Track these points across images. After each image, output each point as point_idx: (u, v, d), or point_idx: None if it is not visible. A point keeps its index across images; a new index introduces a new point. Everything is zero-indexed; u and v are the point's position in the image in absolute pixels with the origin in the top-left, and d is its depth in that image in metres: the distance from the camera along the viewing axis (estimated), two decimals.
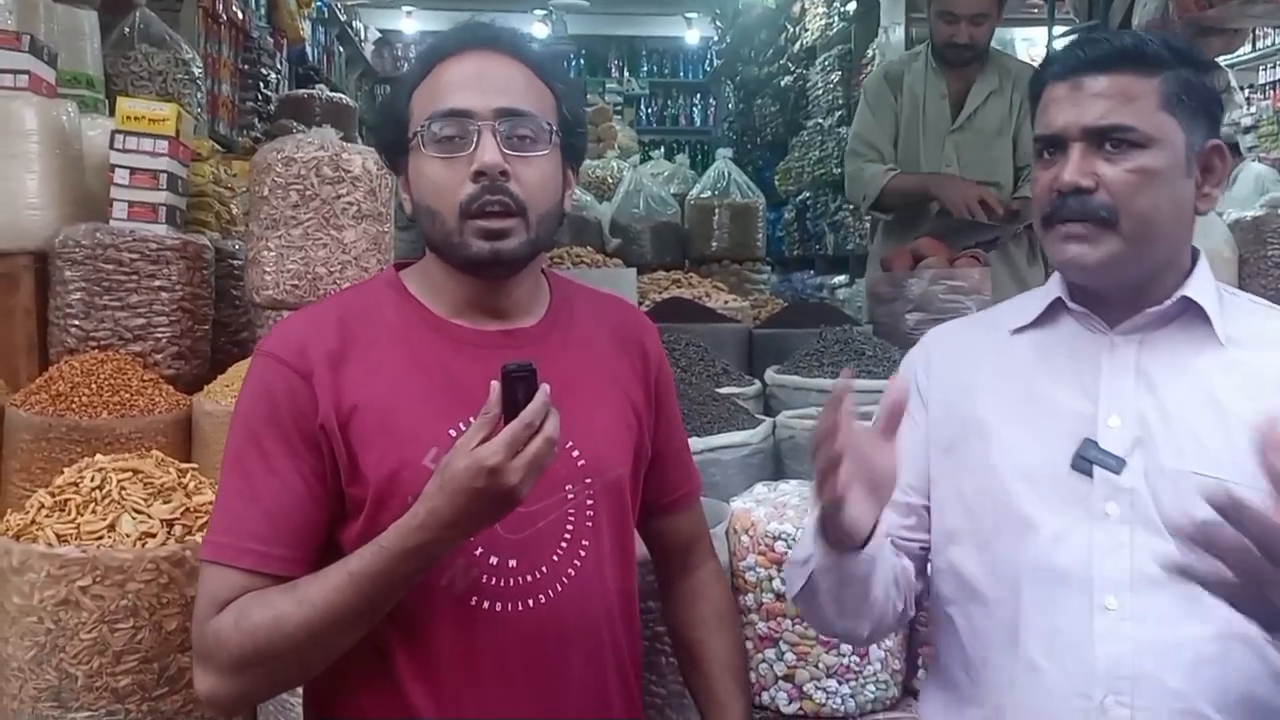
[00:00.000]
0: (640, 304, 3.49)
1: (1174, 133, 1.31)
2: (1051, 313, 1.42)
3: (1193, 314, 1.35)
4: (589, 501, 1.33)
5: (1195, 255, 1.40)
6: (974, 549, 1.39)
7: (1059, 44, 4.42)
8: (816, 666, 1.84)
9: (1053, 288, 1.42)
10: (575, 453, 1.29)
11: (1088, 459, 1.32)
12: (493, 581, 1.28)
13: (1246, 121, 8.01)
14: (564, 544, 1.32)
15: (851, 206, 6.99)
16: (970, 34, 3.52)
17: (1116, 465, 1.30)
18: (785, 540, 1.84)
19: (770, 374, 2.68)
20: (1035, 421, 1.37)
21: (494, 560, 1.28)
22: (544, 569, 1.30)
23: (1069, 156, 1.32)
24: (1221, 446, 1.29)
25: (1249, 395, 1.31)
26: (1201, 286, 1.36)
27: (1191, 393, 1.32)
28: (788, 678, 1.85)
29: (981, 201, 3.31)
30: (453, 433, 1.28)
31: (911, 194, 3.58)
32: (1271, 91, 8.26)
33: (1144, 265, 1.33)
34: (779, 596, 1.84)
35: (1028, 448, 1.36)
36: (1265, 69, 8.47)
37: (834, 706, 1.84)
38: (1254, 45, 7.92)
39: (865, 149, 3.75)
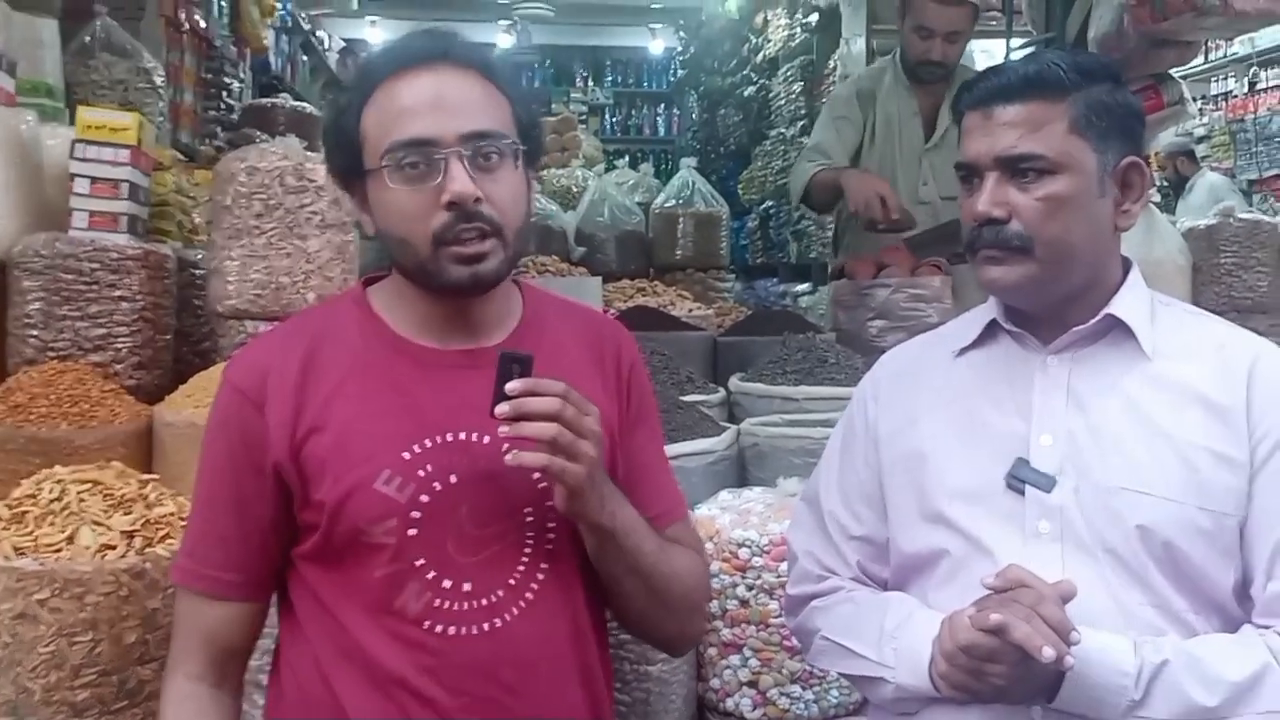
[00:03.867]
0: (605, 312, 3.50)
1: (1085, 155, 1.33)
2: (990, 333, 1.44)
3: (1121, 330, 1.37)
4: (550, 524, 1.31)
5: (1128, 267, 1.42)
6: (922, 569, 1.41)
7: (1017, 56, 4.47)
8: (780, 673, 1.85)
9: (990, 309, 1.44)
10: (536, 474, 1.27)
11: (1020, 478, 1.34)
12: (447, 605, 1.27)
13: (1199, 132, 8.16)
14: (522, 567, 1.30)
15: (814, 215, 7.04)
16: (944, 51, 3.54)
17: (1047, 484, 1.32)
18: (750, 547, 1.86)
19: (734, 381, 2.69)
20: (973, 442, 1.39)
21: (447, 584, 1.27)
22: (500, 592, 1.29)
23: (984, 186, 1.35)
24: (1149, 462, 1.31)
25: (1174, 408, 1.33)
26: (1130, 301, 1.38)
27: (1120, 409, 1.34)
28: (752, 684, 1.86)
29: (882, 200, 3.28)
30: (406, 456, 1.27)
31: (829, 188, 3.56)
32: (1224, 103, 8.42)
33: (1064, 285, 1.36)
34: (743, 603, 1.86)
35: (966, 468, 1.38)
36: (1217, 80, 8.64)
37: (797, 712, 1.85)
38: (1206, 57, 8.07)
39: (815, 153, 3.74)
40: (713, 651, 1.89)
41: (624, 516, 1.32)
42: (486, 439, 1.28)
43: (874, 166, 3.72)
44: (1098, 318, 1.37)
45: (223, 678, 1.36)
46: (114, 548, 1.63)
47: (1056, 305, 1.38)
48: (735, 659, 1.87)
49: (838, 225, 4.11)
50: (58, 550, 1.61)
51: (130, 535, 1.66)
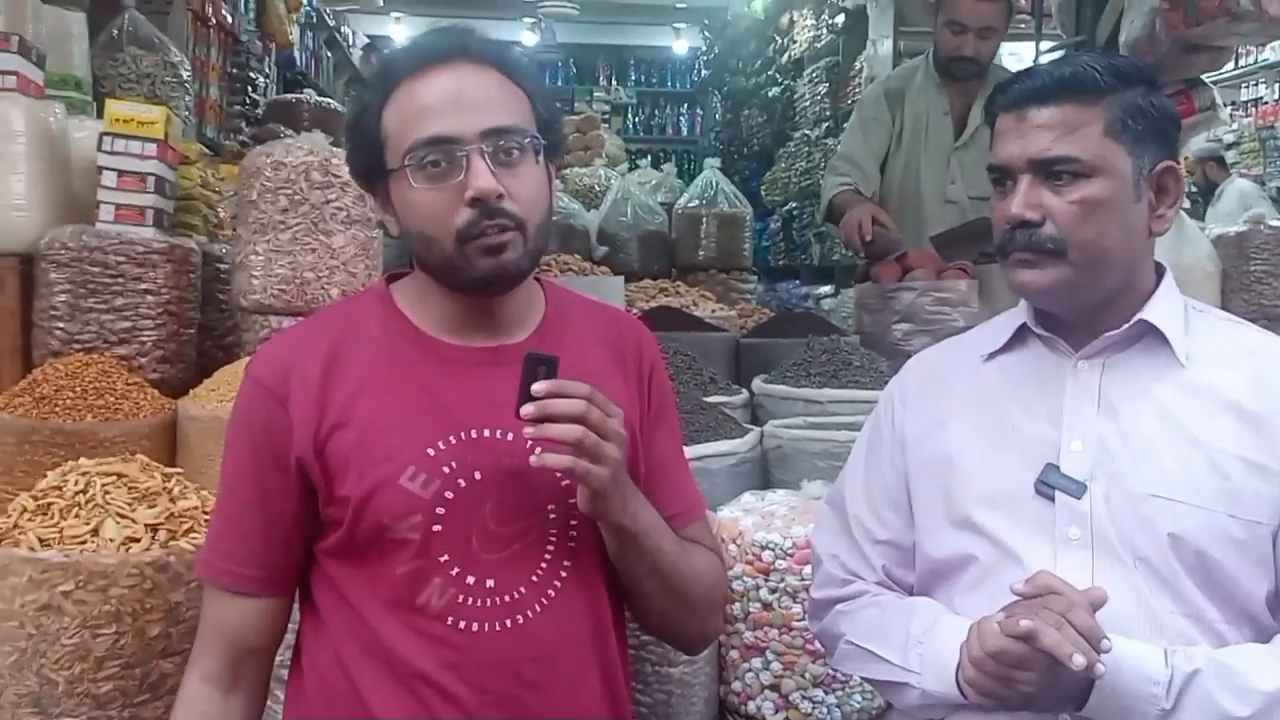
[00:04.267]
0: (627, 312, 3.48)
1: (1120, 159, 1.31)
2: (1020, 337, 1.42)
3: (1154, 335, 1.35)
4: (572, 521, 1.31)
5: (1161, 273, 1.40)
6: (949, 575, 1.39)
7: (1045, 59, 4.43)
8: (803, 676, 1.84)
9: (1020, 313, 1.43)
10: (559, 472, 1.26)
11: (1049, 484, 1.32)
12: (470, 601, 1.27)
13: (1229, 139, 8.09)
14: (544, 564, 1.30)
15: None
16: (976, 47, 3.51)
17: (1077, 490, 1.31)
18: (773, 549, 1.85)
19: (757, 383, 2.68)
20: (1003, 447, 1.37)
21: (471, 580, 1.27)
22: (523, 589, 1.28)
23: (1017, 188, 1.33)
24: (1180, 469, 1.30)
25: (1207, 415, 1.31)
26: (1163, 307, 1.36)
27: (1152, 415, 1.33)
28: (774, 687, 1.85)
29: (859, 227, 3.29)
30: (431, 452, 1.27)
31: (841, 211, 3.56)
32: (1253, 109, 8.34)
33: (1097, 290, 1.34)
34: (766, 606, 1.85)
35: (995, 473, 1.36)
36: (1247, 86, 8.55)
37: (820, 716, 1.84)
38: (1237, 63, 7.99)
39: (840, 161, 3.74)
40: (735, 654, 1.88)
41: (645, 517, 1.32)
42: (510, 436, 1.28)
43: (899, 166, 3.70)
44: (1130, 323, 1.35)
45: (237, 679, 1.35)
46: (138, 540, 1.64)
47: (1089, 310, 1.36)
48: (757, 662, 1.86)
49: None
50: (82, 542, 1.62)
51: (154, 528, 1.66)
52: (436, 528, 1.26)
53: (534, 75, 1.36)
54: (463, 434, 1.29)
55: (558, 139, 1.37)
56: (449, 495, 1.27)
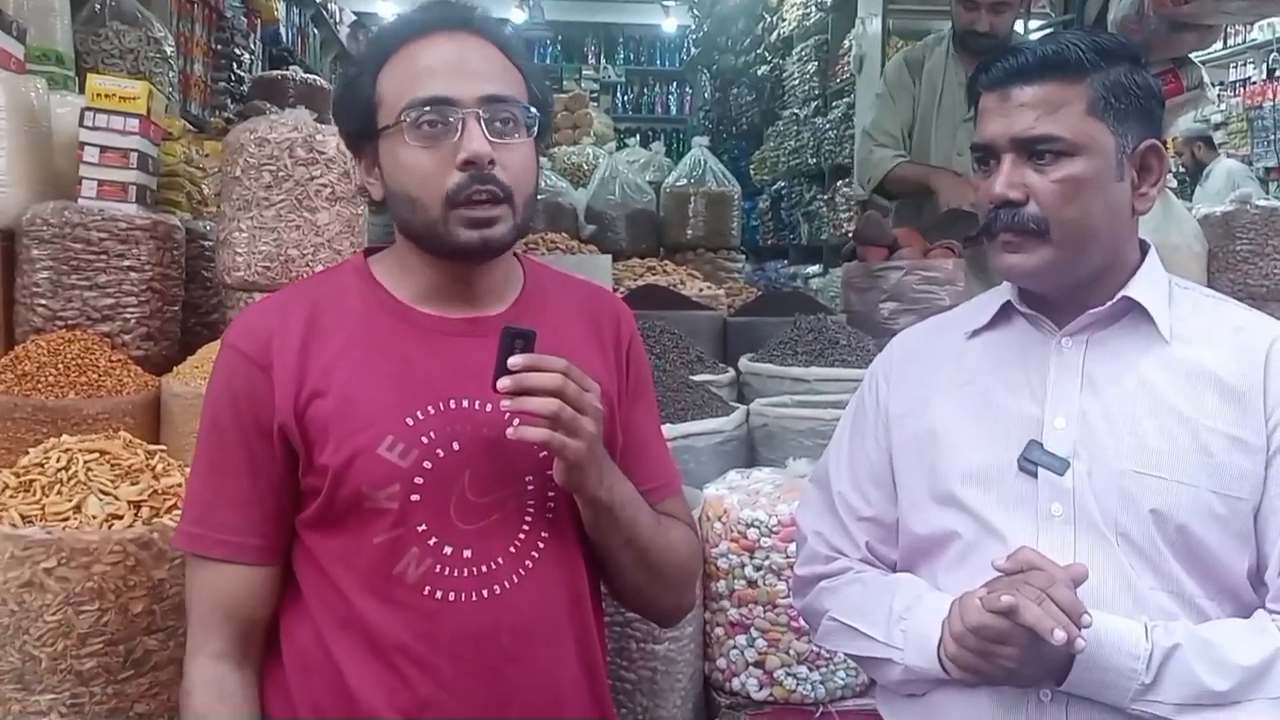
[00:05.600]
0: (615, 291, 3.48)
1: (1103, 137, 1.31)
2: (1004, 315, 1.43)
3: (1138, 313, 1.35)
4: (550, 493, 1.32)
5: (1146, 250, 1.40)
6: (932, 551, 1.40)
7: (1035, 38, 4.43)
8: (787, 653, 1.85)
9: (1004, 291, 1.43)
10: (535, 444, 1.27)
11: (1032, 461, 1.33)
12: (446, 571, 1.27)
13: (1216, 119, 8.10)
14: (522, 535, 1.31)
15: (825, 197, 7.02)
16: (990, 22, 3.53)
17: (1060, 467, 1.31)
18: (758, 527, 1.85)
19: (744, 362, 2.68)
20: (987, 425, 1.37)
21: (448, 550, 1.27)
22: (500, 559, 1.29)
23: (1000, 168, 1.33)
24: (1163, 445, 1.30)
25: (1191, 392, 1.32)
26: (1146, 284, 1.36)
27: (1135, 392, 1.33)
28: (758, 664, 1.86)
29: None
30: (410, 422, 1.27)
31: (913, 183, 3.60)
32: (1241, 89, 8.34)
33: (1081, 269, 1.34)
34: (750, 583, 1.85)
35: (978, 450, 1.37)
36: (1235, 66, 8.55)
37: (804, 693, 1.85)
38: (1225, 42, 7.98)
39: (878, 134, 3.77)
40: (720, 631, 1.89)
41: (621, 490, 1.33)
42: (489, 407, 1.28)
43: (915, 135, 3.72)
44: (1114, 300, 1.35)
45: (245, 654, 1.34)
46: (121, 517, 1.63)
47: (1073, 288, 1.36)
48: (742, 639, 1.86)
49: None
50: (65, 519, 1.61)
51: (137, 505, 1.66)
52: (414, 497, 1.27)
53: (527, 57, 1.38)
54: (441, 404, 1.29)
55: (547, 120, 1.39)
56: (427, 465, 1.27)
